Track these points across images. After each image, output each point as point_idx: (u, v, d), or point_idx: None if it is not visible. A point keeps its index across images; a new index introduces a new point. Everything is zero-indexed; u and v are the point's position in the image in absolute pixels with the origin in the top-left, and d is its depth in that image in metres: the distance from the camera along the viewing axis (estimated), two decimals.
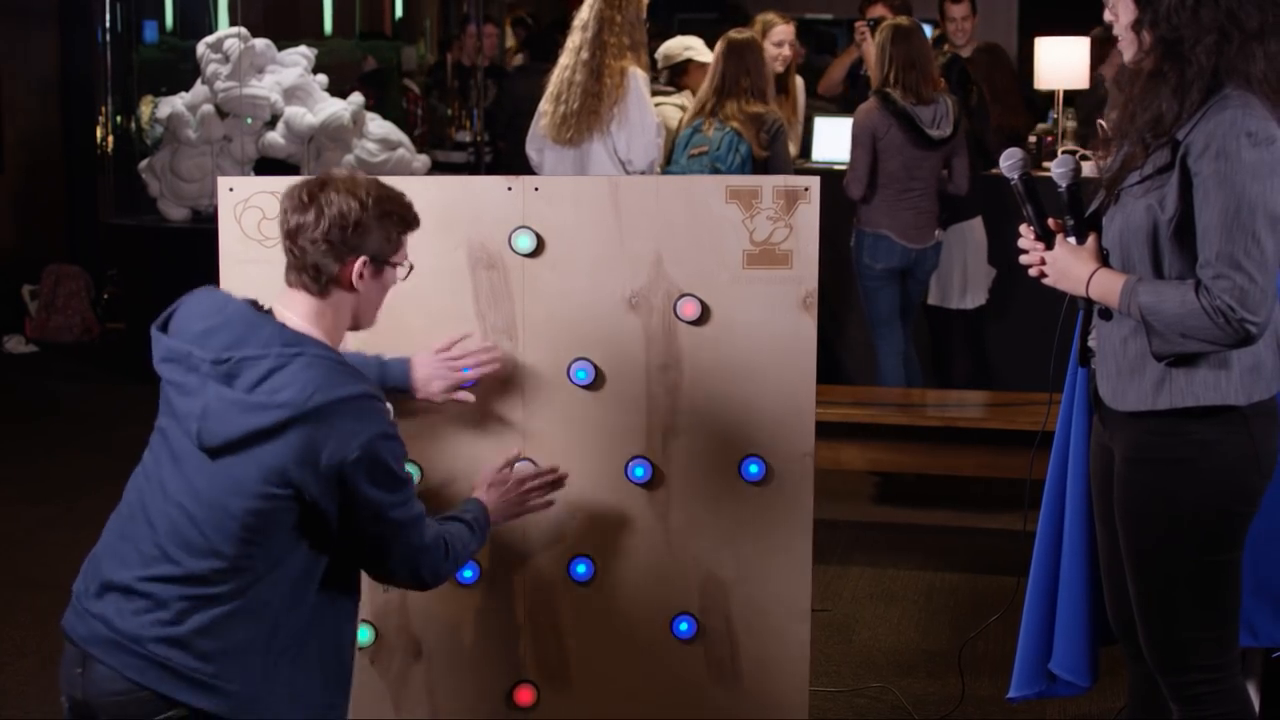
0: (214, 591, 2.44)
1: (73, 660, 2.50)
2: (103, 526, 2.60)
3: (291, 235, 2.53)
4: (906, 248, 6.01)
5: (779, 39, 6.26)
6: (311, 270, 2.53)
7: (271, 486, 2.43)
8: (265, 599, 2.47)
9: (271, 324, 2.50)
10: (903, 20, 6.06)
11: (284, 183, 3.15)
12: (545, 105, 5.60)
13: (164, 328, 2.57)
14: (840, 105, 7.65)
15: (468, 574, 3.15)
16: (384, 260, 2.59)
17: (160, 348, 2.54)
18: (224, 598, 2.44)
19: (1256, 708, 3.31)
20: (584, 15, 5.52)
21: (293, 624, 2.50)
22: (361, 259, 2.54)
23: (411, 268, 2.67)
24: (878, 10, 6.98)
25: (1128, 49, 2.72)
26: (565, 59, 5.54)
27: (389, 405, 2.66)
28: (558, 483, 3.01)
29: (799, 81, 6.73)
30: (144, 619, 2.43)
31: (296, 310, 2.55)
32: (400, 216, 2.60)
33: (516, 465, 2.98)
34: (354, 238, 2.52)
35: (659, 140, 5.53)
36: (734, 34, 5.70)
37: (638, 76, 5.49)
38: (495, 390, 3.13)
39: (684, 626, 3.16)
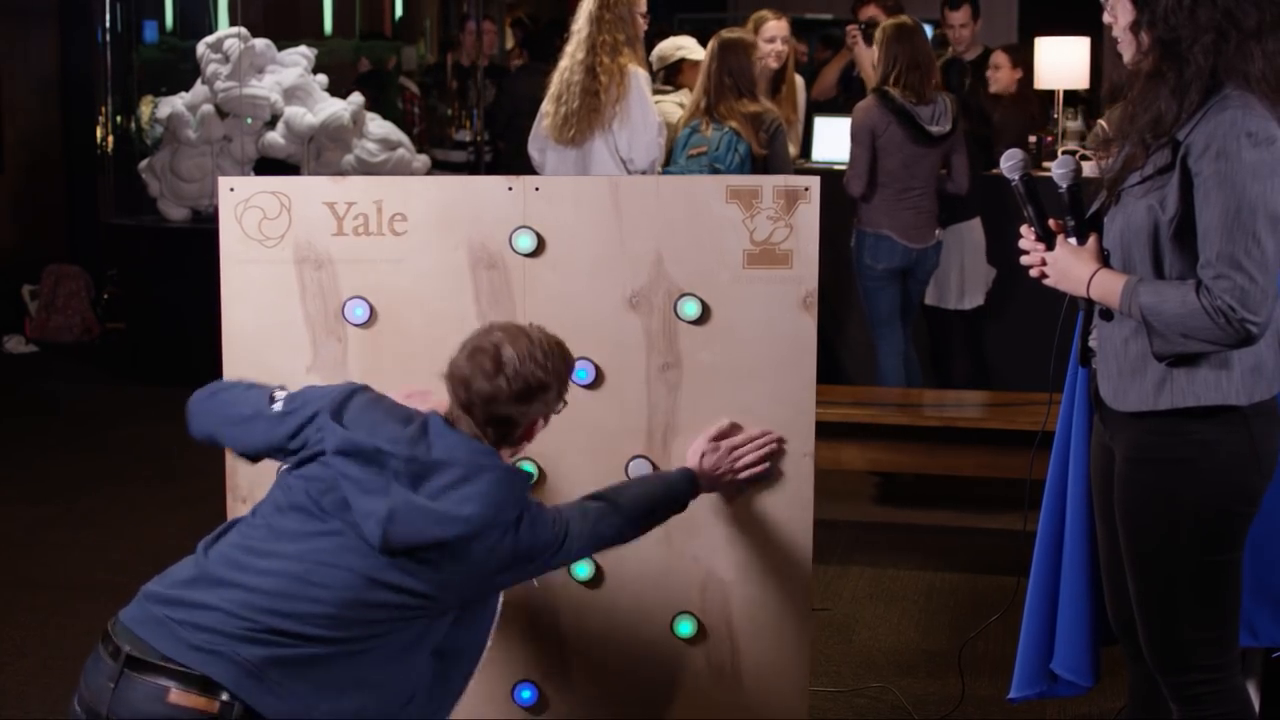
0: (312, 650, 2.46)
1: (105, 672, 2.45)
2: (102, 526, 2.60)
3: (471, 405, 2.59)
4: (907, 248, 6.02)
5: (770, 35, 6.25)
6: (494, 437, 2.61)
7: (431, 590, 2.49)
8: (362, 663, 2.50)
9: (459, 435, 2.56)
10: (904, 20, 6.07)
11: (285, 183, 3.17)
12: (547, 106, 5.62)
13: (337, 417, 2.59)
14: (835, 108, 7.64)
15: None
16: (553, 411, 2.70)
17: (338, 438, 2.55)
18: (319, 652, 2.47)
19: (1256, 708, 3.31)
20: (579, 20, 5.55)
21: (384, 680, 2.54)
22: (540, 419, 2.66)
23: (566, 404, 2.73)
24: (869, 11, 6.97)
25: (1126, 50, 2.72)
26: (564, 61, 5.57)
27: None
28: (774, 447, 3.07)
29: (799, 81, 6.73)
30: (249, 647, 2.44)
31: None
32: (568, 368, 2.69)
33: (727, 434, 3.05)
34: (535, 405, 2.62)
35: (660, 139, 5.53)
36: (724, 33, 5.71)
37: (639, 75, 5.50)
38: None
39: (684, 626, 3.16)
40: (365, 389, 2.68)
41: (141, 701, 2.41)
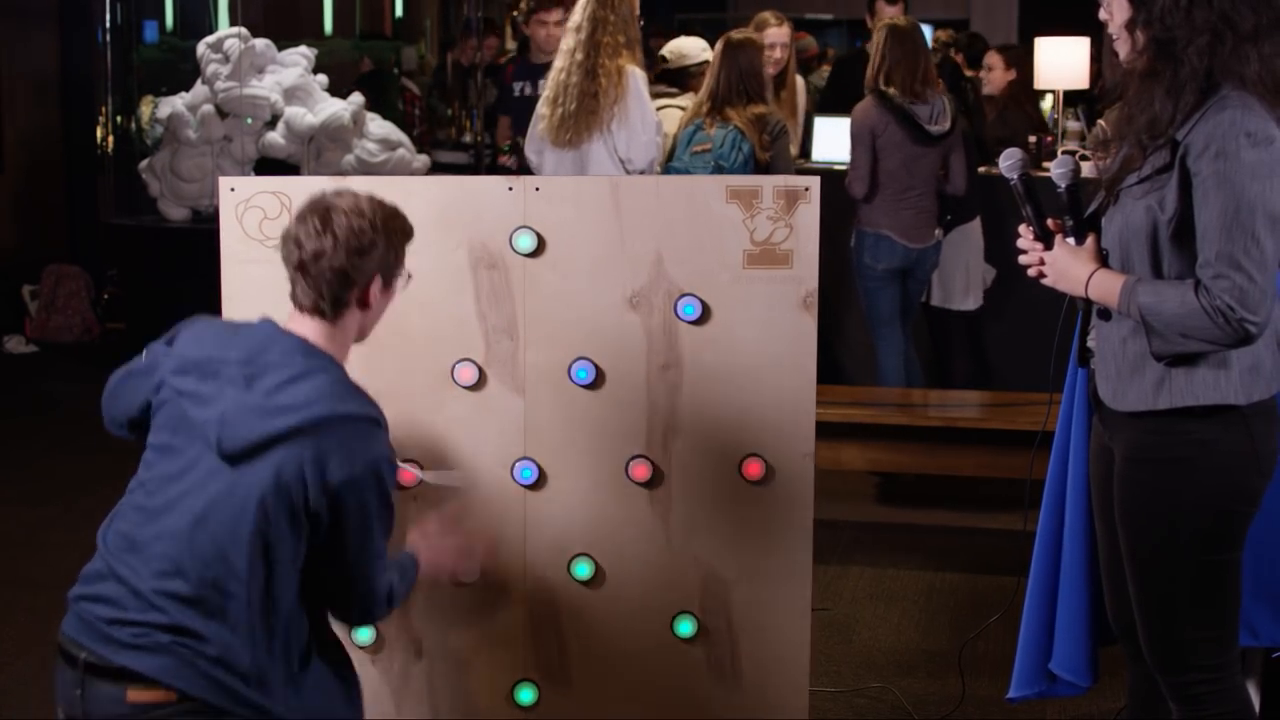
0: (223, 604, 2.44)
1: (70, 682, 2.48)
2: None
3: (304, 264, 2.54)
4: (907, 248, 6.02)
5: (770, 41, 6.25)
6: (330, 296, 2.55)
7: (279, 495, 2.44)
8: (274, 611, 2.48)
9: (294, 338, 2.54)
10: (900, 21, 6.08)
11: (286, 183, 3.17)
12: (543, 108, 5.60)
13: (169, 344, 2.61)
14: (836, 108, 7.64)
15: None
16: (392, 275, 2.63)
17: (172, 360, 2.56)
18: (232, 611, 2.44)
19: (1256, 707, 3.31)
20: (577, 17, 5.52)
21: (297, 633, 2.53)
22: (377, 278, 2.59)
23: (410, 276, 2.70)
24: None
25: (1122, 48, 2.72)
26: (560, 61, 5.54)
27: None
28: (486, 555, 3.06)
29: (799, 83, 6.73)
30: (173, 636, 2.43)
31: (308, 332, 2.57)
32: (402, 230, 2.64)
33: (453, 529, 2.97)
34: (368, 260, 2.56)
35: (658, 139, 5.53)
36: (734, 35, 5.70)
37: (637, 75, 5.49)
38: (497, 390, 3.13)
39: (684, 626, 3.16)
40: (202, 317, 2.66)
41: (107, 705, 2.44)
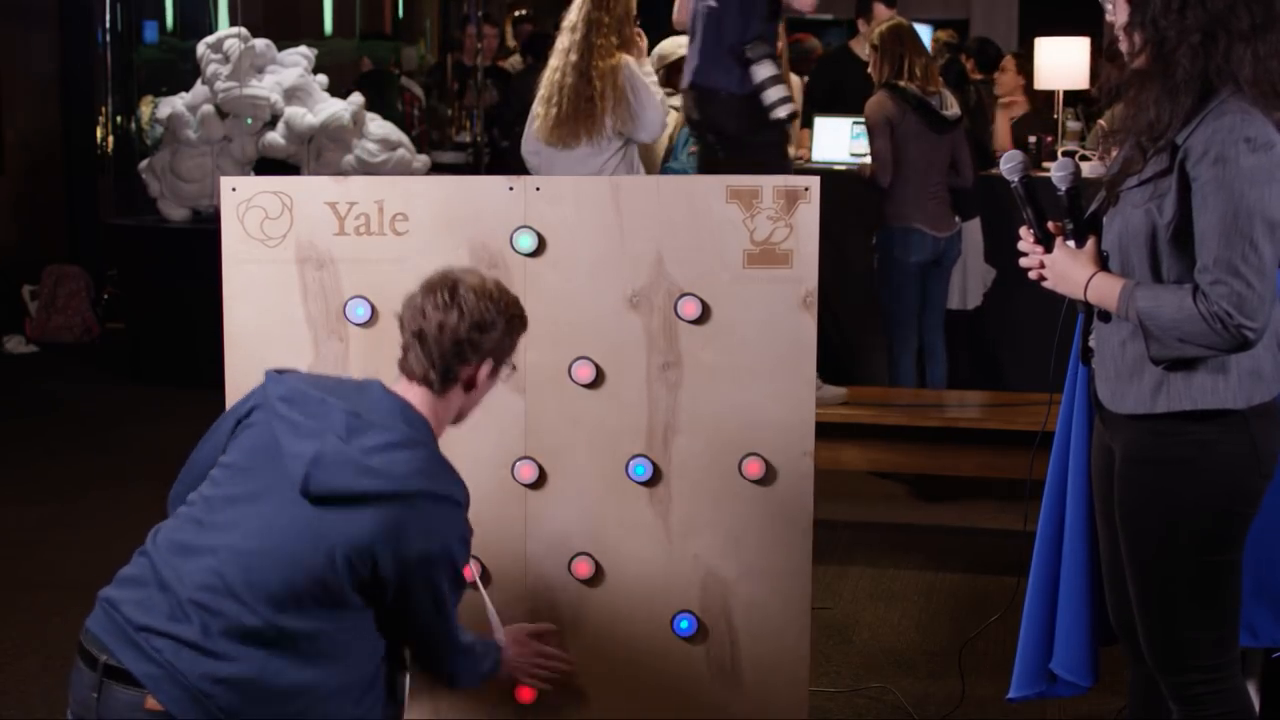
0: (262, 633, 2.45)
1: (87, 682, 2.47)
2: (102, 526, 2.60)
3: (423, 333, 2.60)
4: (936, 237, 6.07)
5: None
6: (441, 368, 2.61)
7: (349, 554, 2.46)
8: (326, 653, 2.49)
9: (400, 402, 2.58)
10: (897, 21, 6.14)
11: (287, 183, 3.17)
12: (537, 108, 5.58)
13: (279, 372, 2.63)
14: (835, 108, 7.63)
15: None
16: (501, 361, 2.69)
17: (283, 386, 2.57)
18: (283, 647, 2.45)
19: (1257, 708, 3.31)
20: (572, 17, 5.49)
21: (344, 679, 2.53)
22: (488, 361, 2.65)
23: (514, 369, 2.77)
24: None
25: (1124, 48, 2.73)
26: (554, 61, 5.51)
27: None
28: (568, 669, 3.14)
29: (795, 81, 6.73)
30: (198, 657, 2.43)
31: (414, 399, 2.61)
32: (521, 319, 2.71)
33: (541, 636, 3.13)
34: (486, 339, 2.63)
35: (664, 115, 5.50)
36: None
37: (629, 65, 5.45)
38: (498, 389, 3.13)
39: (684, 625, 3.16)
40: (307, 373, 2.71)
41: (123, 710, 2.43)
